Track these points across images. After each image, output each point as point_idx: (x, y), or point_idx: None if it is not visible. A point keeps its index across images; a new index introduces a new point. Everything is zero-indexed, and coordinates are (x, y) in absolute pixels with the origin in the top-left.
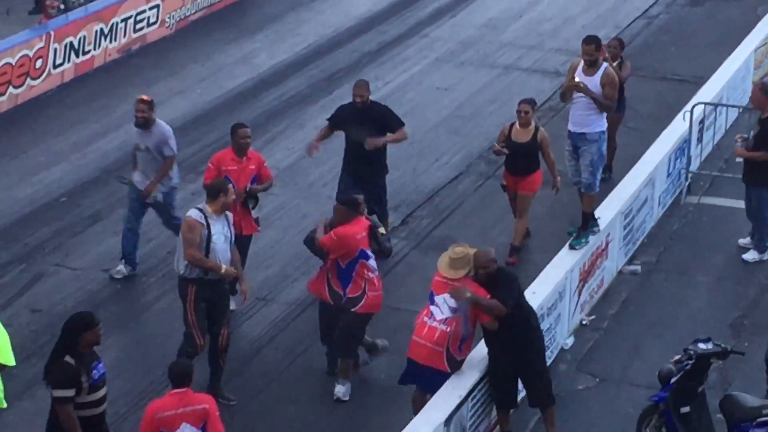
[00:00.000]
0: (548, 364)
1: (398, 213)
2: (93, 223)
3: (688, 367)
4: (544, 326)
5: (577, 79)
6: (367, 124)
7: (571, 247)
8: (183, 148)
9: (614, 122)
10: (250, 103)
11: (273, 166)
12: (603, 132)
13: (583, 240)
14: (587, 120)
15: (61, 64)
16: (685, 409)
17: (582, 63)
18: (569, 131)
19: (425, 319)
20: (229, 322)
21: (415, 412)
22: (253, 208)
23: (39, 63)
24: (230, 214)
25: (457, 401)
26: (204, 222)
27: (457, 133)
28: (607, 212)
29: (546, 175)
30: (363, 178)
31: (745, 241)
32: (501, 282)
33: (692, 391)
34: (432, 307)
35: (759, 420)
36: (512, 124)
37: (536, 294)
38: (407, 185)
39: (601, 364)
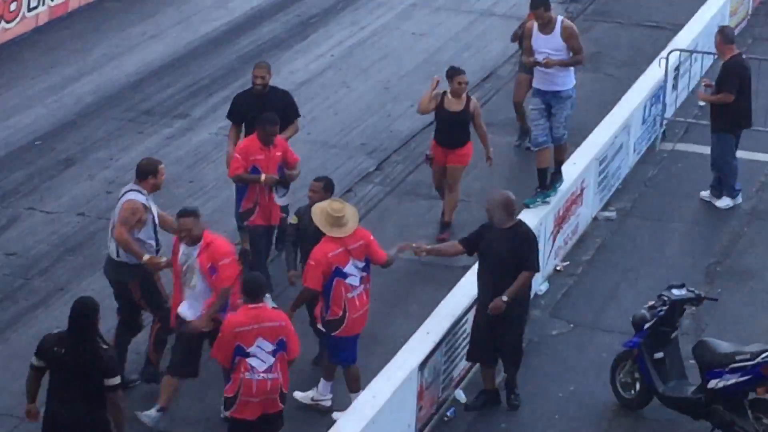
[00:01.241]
0: None
1: (373, 158)
2: (67, 167)
3: (662, 313)
4: None
5: (537, 57)
6: (267, 111)
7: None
8: (157, 92)
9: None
10: (224, 47)
11: None
12: (574, 86)
13: (557, 185)
14: (557, 78)
15: (35, 8)
16: (659, 355)
17: (536, 24)
18: (538, 90)
19: (350, 294)
20: None
21: (355, 389)
22: (283, 196)
23: (13, 6)
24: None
25: (431, 346)
26: (147, 204)
27: (432, 79)
28: (582, 158)
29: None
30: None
31: (706, 194)
32: (526, 240)
33: (666, 336)
34: (347, 281)
35: (732, 366)
36: (444, 93)
37: None
38: (382, 130)
39: (575, 309)
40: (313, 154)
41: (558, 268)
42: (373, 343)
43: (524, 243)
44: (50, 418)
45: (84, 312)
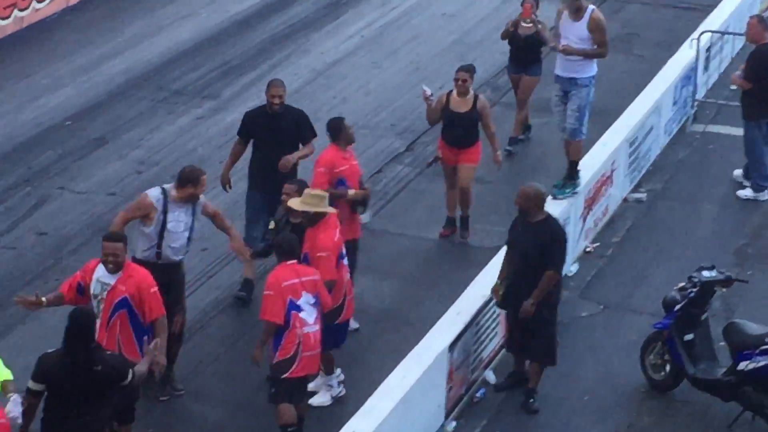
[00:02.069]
0: None
1: (403, 139)
2: (98, 147)
3: (692, 294)
4: None
5: (562, 43)
6: (280, 132)
7: (554, 197)
8: (188, 73)
9: (528, 86)
10: (255, 28)
11: None
12: (593, 77)
13: (567, 191)
14: (576, 65)
15: None
16: (689, 337)
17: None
18: (558, 76)
19: (348, 277)
20: (185, 311)
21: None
22: (363, 213)
23: None
24: (201, 204)
25: (461, 327)
26: (161, 207)
27: (462, 60)
28: (612, 140)
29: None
30: (274, 194)
31: (738, 172)
32: (553, 238)
33: (696, 318)
34: (344, 262)
35: (762, 347)
36: (449, 93)
37: None
38: (412, 111)
39: (605, 291)
40: None
41: (588, 249)
42: (403, 323)
43: (552, 240)
44: None
45: (82, 325)
